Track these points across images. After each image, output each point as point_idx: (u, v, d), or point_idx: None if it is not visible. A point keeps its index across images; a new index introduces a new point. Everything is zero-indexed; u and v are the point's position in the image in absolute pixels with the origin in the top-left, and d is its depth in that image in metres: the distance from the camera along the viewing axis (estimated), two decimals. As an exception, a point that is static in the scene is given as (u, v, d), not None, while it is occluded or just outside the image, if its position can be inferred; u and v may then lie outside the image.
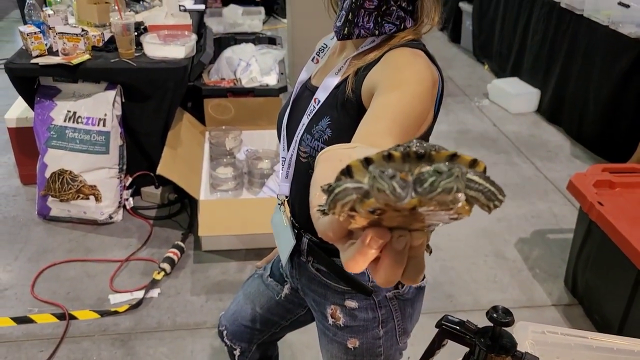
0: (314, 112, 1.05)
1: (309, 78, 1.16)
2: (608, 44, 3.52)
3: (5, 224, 2.88)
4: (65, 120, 2.75)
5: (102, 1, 2.99)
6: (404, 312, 1.19)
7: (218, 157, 3.10)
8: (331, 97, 1.03)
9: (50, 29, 2.73)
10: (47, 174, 2.77)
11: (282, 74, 3.45)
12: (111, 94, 2.74)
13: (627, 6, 3.41)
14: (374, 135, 0.78)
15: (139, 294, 2.41)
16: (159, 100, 2.80)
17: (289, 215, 1.20)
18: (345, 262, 0.45)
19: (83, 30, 2.72)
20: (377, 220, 0.43)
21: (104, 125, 2.74)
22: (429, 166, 0.41)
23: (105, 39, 2.85)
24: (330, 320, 1.19)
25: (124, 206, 2.94)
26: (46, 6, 3.04)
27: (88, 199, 2.79)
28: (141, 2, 3.48)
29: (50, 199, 2.80)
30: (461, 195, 0.41)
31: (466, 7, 5.49)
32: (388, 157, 0.44)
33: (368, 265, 0.45)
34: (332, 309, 1.19)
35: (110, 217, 2.86)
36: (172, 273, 2.55)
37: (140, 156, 2.97)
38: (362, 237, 0.44)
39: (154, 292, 2.44)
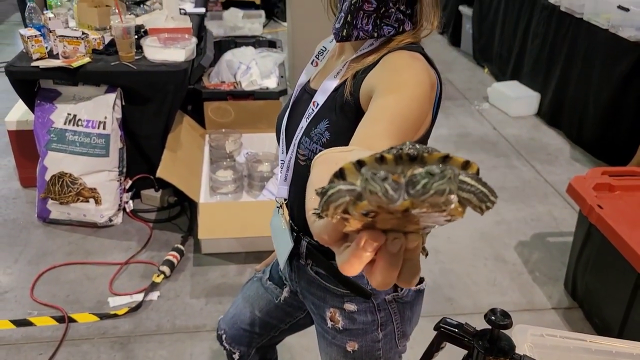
0: (312, 115, 1.05)
1: (308, 81, 1.16)
2: (608, 47, 3.52)
3: (5, 226, 2.88)
4: (65, 123, 2.76)
5: (103, 4, 3.00)
6: (403, 315, 1.19)
7: (218, 160, 3.10)
8: (330, 100, 1.04)
9: (50, 32, 2.73)
10: (47, 177, 2.77)
11: (282, 77, 3.46)
12: (111, 96, 2.74)
13: (627, 10, 3.41)
14: (372, 137, 0.78)
15: (139, 297, 2.41)
16: (159, 103, 2.81)
17: (287, 218, 1.20)
18: (340, 265, 0.45)
19: (83, 33, 2.72)
20: (371, 223, 0.43)
21: (104, 128, 2.74)
22: (422, 168, 0.41)
23: (106, 42, 2.86)
24: (330, 323, 1.19)
25: (124, 209, 2.94)
26: (47, 9, 3.05)
27: (88, 201, 2.79)
28: (142, 6, 3.49)
29: (50, 201, 2.81)
30: (454, 197, 0.41)
31: (466, 11, 5.50)
32: (380, 159, 0.44)
33: (364, 268, 0.45)
34: (331, 312, 1.19)
35: (110, 220, 2.86)
36: (172, 276, 2.55)
37: (140, 159, 2.97)
38: (357, 240, 0.44)
39: (154, 295, 2.44)
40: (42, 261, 2.63)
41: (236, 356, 1.48)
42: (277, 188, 1.18)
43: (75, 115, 2.76)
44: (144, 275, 2.55)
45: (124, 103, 2.80)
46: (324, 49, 1.16)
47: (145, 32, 2.96)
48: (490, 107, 4.46)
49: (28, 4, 2.86)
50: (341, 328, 1.18)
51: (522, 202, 3.21)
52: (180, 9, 3.47)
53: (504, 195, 3.26)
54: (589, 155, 3.74)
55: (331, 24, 1.06)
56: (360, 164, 0.44)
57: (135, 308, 2.36)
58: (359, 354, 1.19)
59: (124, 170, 2.91)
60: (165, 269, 2.53)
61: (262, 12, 5.28)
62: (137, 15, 3.26)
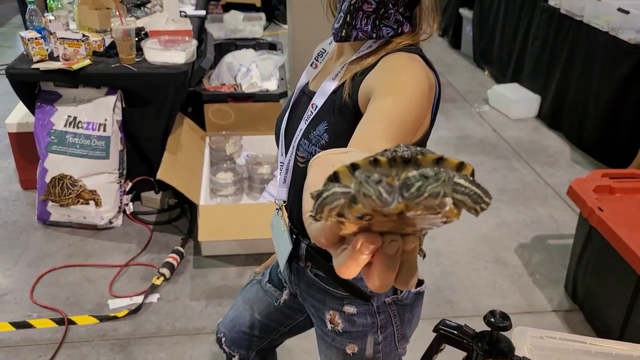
0: (311, 117, 1.05)
1: (307, 83, 1.16)
2: (608, 49, 3.52)
3: (5, 228, 2.88)
4: (65, 125, 2.76)
5: (103, 7, 3.01)
6: (403, 317, 1.19)
7: (218, 162, 3.10)
8: (328, 102, 1.04)
9: (51, 34, 2.74)
10: (47, 179, 2.77)
11: (282, 79, 3.46)
12: (111, 99, 2.75)
13: (627, 12, 3.42)
14: (370, 139, 0.78)
15: (139, 299, 2.41)
16: (159, 105, 2.81)
17: (287, 220, 1.20)
18: (337, 268, 0.45)
19: (84, 35, 2.73)
20: (367, 225, 0.43)
21: (104, 130, 2.75)
22: (416, 170, 0.40)
23: (106, 45, 2.87)
24: (329, 326, 1.19)
25: (124, 211, 2.94)
26: (47, 12, 3.05)
27: (88, 204, 2.79)
28: (142, 8, 3.49)
29: (50, 203, 2.81)
30: (448, 200, 0.41)
31: (466, 13, 5.51)
32: (374, 162, 0.44)
33: (361, 270, 0.45)
34: (330, 315, 1.18)
35: (110, 222, 2.86)
36: (172, 278, 2.55)
37: (141, 161, 2.97)
38: (353, 243, 0.43)
39: (154, 297, 2.44)
40: (42, 263, 2.63)
41: (236, 359, 1.48)
42: (277, 190, 1.17)
43: (75, 118, 2.76)
44: (144, 278, 2.55)
45: (124, 105, 2.80)
46: (324, 51, 1.16)
47: (146, 35, 2.97)
48: (490, 110, 4.46)
49: (29, 6, 2.87)
50: (341, 330, 1.18)
51: (522, 204, 3.21)
52: (180, 12, 3.48)
53: (504, 197, 3.26)
54: (589, 158, 3.74)
55: (331, 25, 1.06)
56: (354, 167, 0.44)
57: (135, 310, 2.36)
58: (358, 356, 1.18)
59: (124, 172, 2.91)
60: (165, 271, 2.53)
61: (263, 15, 5.28)
62: (137, 18, 3.27)
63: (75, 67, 2.62)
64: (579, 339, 1.14)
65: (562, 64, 3.97)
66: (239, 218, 2.68)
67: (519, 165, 3.66)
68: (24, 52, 2.79)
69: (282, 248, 1.20)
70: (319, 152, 1.01)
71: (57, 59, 2.72)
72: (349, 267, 0.44)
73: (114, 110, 2.75)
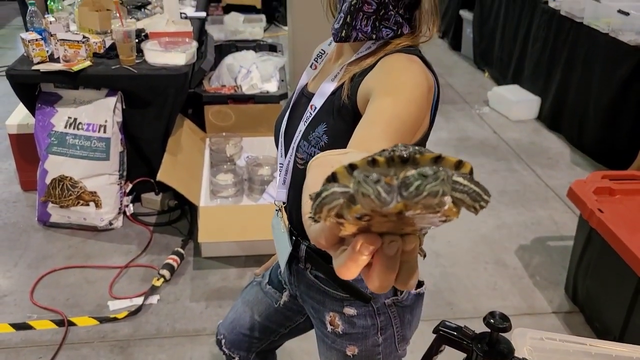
0: (310, 118, 1.05)
1: (306, 84, 1.16)
2: (608, 51, 3.52)
3: (5, 230, 2.88)
4: (65, 127, 2.76)
5: (104, 8, 3.01)
6: (403, 319, 1.19)
7: (218, 163, 3.10)
8: (327, 103, 1.04)
9: (51, 35, 2.74)
10: (48, 180, 2.77)
11: (282, 80, 3.46)
12: (112, 100, 2.75)
13: (627, 14, 3.42)
14: (369, 140, 0.78)
15: (139, 301, 2.41)
16: (159, 106, 2.81)
17: (286, 221, 1.20)
18: (337, 269, 0.45)
19: (84, 37, 2.73)
20: (367, 226, 0.43)
21: (104, 131, 2.75)
22: (414, 170, 0.40)
23: (106, 46, 2.87)
24: (329, 328, 1.19)
25: (124, 212, 2.94)
26: (48, 13, 3.06)
27: (88, 205, 2.79)
28: (142, 10, 3.50)
29: (50, 205, 2.81)
30: (447, 199, 0.40)
31: (467, 15, 5.51)
32: (372, 162, 0.44)
33: (361, 271, 0.45)
34: (330, 316, 1.18)
35: (110, 224, 2.86)
36: (172, 279, 2.55)
37: (141, 162, 2.97)
38: (353, 244, 0.43)
39: (154, 299, 2.44)
40: (42, 264, 2.63)
41: (235, 360, 1.48)
42: (276, 191, 1.18)
43: (75, 119, 2.76)
44: (144, 279, 2.55)
45: (124, 106, 2.81)
46: (323, 52, 1.16)
47: (146, 36, 2.97)
48: (490, 111, 4.46)
49: (29, 8, 2.87)
50: (341, 332, 1.18)
51: (522, 206, 3.21)
52: (181, 13, 3.48)
53: (505, 199, 3.26)
54: (589, 159, 3.74)
55: (330, 25, 1.06)
56: (352, 167, 0.44)
57: (135, 312, 2.36)
58: (358, 358, 1.18)
59: (125, 173, 2.91)
60: (165, 272, 2.53)
61: (263, 17, 5.29)
62: (138, 19, 3.27)
63: (76, 68, 2.62)
64: (579, 341, 1.14)
65: (562, 66, 3.98)
66: (239, 219, 2.68)
67: (519, 166, 3.66)
68: (25, 54, 2.79)
69: (282, 249, 1.20)
70: (318, 153, 1.01)
71: (57, 60, 2.73)
72: (348, 268, 0.44)
73: (114, 111, 2.75)
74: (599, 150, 3.68)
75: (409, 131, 0.87)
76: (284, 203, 1.17)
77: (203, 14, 3.80)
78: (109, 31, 2.94)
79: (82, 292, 2.48)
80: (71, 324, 2.30)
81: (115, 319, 2.32)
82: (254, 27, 4.80)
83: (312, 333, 1.33)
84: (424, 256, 0.54)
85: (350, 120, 0.98)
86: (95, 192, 2.78)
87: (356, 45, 1.04)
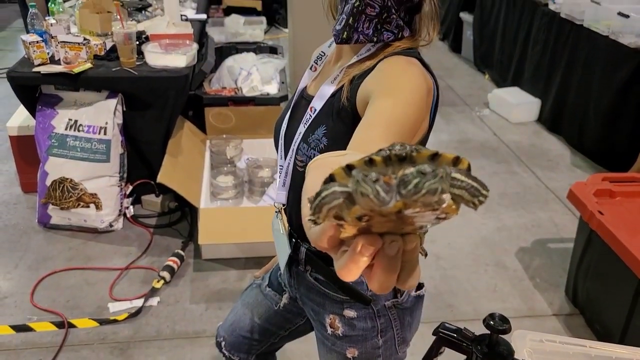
0: (310, 120, 1.05)
1: (305, 87, 1.17)
2: (608, 53, 3.53)
3: (5, 231, 2.88)
4: (66, 129, 2.76)
5: (104, 10, 3.02)
6: (403, 321, 1.18)
7: (219, 165, 3.10)
8: (327, 105, 1.04)
9: (52, 38, 2.75)
10: (48, 182, 2.78)
11: (282, 83, 3.47)
12: (112, 102, 2.75)
13: (627, 16, 3.42)
14: (368, 142, 0.78)
15: (139, 303, 2.41)
16: (160, 108, 2.82)
17: (286, 223, 1.20)
18: (338, 271, 0.45)
19: (85, 39, 2.73)
20: (367, 227, 0.43)
21: (105, 133, 2.75)
22: (413, 167, 0.40)
23: (107, 48, 2.87)
24: (329, 330, 1.19)
25: (125, 214, 2.94)
26: (49, 15, 3.06)
27: (88, 207, 2.79)
28: (143, 12, 3.51)
29: (50, 207, 2.81)
30: (446, 196, 0.40)
31: (467, 17, 5.52)
32: (370, 162, 0.43)
33: (362, 272, 0.44)
34: (330, 319, 1.18)
35: (111, 225, 2.86)
36: (172, 281, 2.55)
37: (141, 164, 2.98)
38: (353, 245, 0.43)
39: (154, 301, 2.44)
40: (43, 266, 2.63)
41: (235, 362, 1.48)
42: (276, 193, 1.18)
43: (76, 121, 2.76)
44: (144, 281, 2.55)
45: (125, 108, 2.81)
46: (323, 54, 1.16)
47: (147, 38, 2.98)
48: (490, 113, 4.46)
49: (30, 10, 2.88)
50: (341, 334, 1.18)
51: (522, 208, 3.21)
52: (181, 15, 3.49)
53: (505, 201, 3.26)
54: (589, 161, 3.74)
55: (331, 27, 1.06)
56: (349, 168, 0.44)
57: (135, 313, 2.36)
58: (358, 360, 1.18)
59: (125, 175, 2.91)
60: (166, 274, 2.53)
61: (264, 19, 5.30)
62: (138, 22, 3.27)
63: (76, 70, 2.63)
64: (579, 343, 1.14)
65: (563, 68, 3.98)
66: (240, 221, 2.68)
67: (520, 169, 3.66)
68: (25, 56, 2.79)
69: (282, 251, 1.20)
70: (318, 155, 1.01)
71: (58, 62, 2.73)
72: (349, 269, 0.44)
73: (114, 113, 2.75)
74: (599, 152, 3.68)
75: (408, 133, 0.87)
76: (283, 205, 1.17)
77: (203, 16, 3.80)
78: (110, 33, 2.95)
79: (82, 294, 2.48)
80: (71, 325, 2.30)
81: (115, 321, 2.32)
82: (254, 29, 4.81)
83: (312, 335, 1.33)
84: (425, 255, 0.54)
85: (349, 122, 0.98)
86: (95, 194, 2.78)
87: (356, 47, 1.04)
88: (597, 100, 3.63)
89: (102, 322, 2.32)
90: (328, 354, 1.22)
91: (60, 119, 2.77)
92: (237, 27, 4.77)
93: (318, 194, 0.43)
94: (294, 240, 1.20)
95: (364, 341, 1.17)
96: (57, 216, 2.83)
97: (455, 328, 1.09)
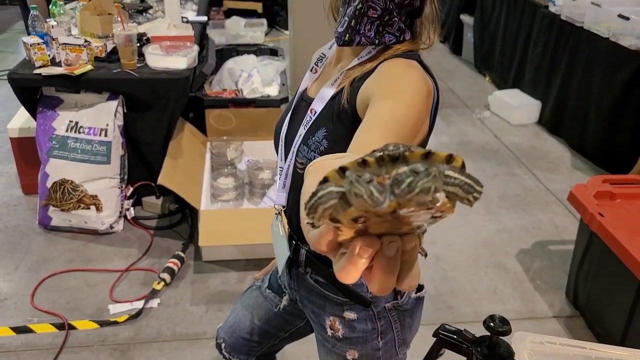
0: (310, 123, 1.05)
1: (306, 89, 1.17)
2: (608, 56, 3.53)
3: (6, 233, 2.88)
4: (67, 130, 2.77)
5: (105, 12, 3.02)
6: (403, 322, 1.18)
7: (219, 167, 3.10)
8: (327, 108, 1.04)
9: (53, 39, 2.75)
10: (49, 184, 2.78)
11: (283, 85, 3.47)
12: (113, 104, 2.75)
13: (627, 18, 3.42)
14: (368, 145, 0.78)
15: (139, 304, 2.41)
16: (160, 110, 2.82)
17: (286, 225, 1.20)
18: (337, 274, 0.45)
19: (86, 41, 2.74)
20: (363, 229, 0.43)
21: (105, 135, 2.75)
22: (406, 167, 0.40)
23: (108, 50, 2.88)
24: (329, 332, 1.19)
25: (125, 216, 2.94)
26: (50, 17, 3.07)
27: (89, 208, 2.79)
28: (144, 14, 3.51)
29: (51, 208, 2.81)
30: (440, 195, 0.40)
31: (467, 20, 5.52)
32: (363, 163, 0.43)
33: (362, 274, 0.44)
34: (330, 320, 1.18)
35: (111, 227, 2.86)
36: (172, 283, 2.55)
37: (142, 166, 2.98)
38: (351, 247, 0.43)
39: (154, 302, 2.44)
40: (43, 268, 2.63)
41: (236, 364, 1.48)
42: (276, 195, 1.18)
43: (77, 123, 2.77)
44: (145, 283, 2.55)
45: (125, 110, 2.81)
46: (323, 56, 1.17)
47: (148, 40, 2.98)
48: (491, 115, 4.46)
49: (31, 12, 2.88)
50: (341, 336, 1.17)
51: (523, 210, 3.21)
52: (182, 17, 3.49)
53: (505, 203, 3.26)
54: (590, 163, 3.74)
55: (331, 29, 1.06)
56: (343, 170, 0.43)
57: (136, 315, 2.36)
58: (358, 362, 1.18)
59: (125, 177, 2.91)
60: (166, 276, 2.53)
61: (264, 21, 5.30)
62: (139, 23, 3.28)
63: (77, 72, 2.63)
64: (579, 344, 1.14)
65: (563, 70, 3.98)
66: (240, 223, 2.68)
67: (520, 171, 3.66)
68: (26, 58, 2.80)
69: (281, 253, 1.20)
70: (318, 157, 1.01)
71: (59, 64, 2.74)
72: (348, 272, 0.43)
73: (115, 115, 2.75)
74: (599, 154, 3.68)
75: (408, 135, 0.87)
76: (283, 207, 1.17)
77: (204, 18, 3.81)
78: (111, 35, 2.95)
79: (82, 296, 2.48)
80: (71, 327, 2.30)
81: (115, 323, 2.32)
82: (255, 31, 4.81)
83: (312, 336, 1.33)
84: (425, 255, 0.53)
85: (349, 124, 0.98)
86: (96, 196, 2.78)
87: (357, 49, 1.04)
88: (597, 102, 3.63)
89: (103, 323, 2.32)
90: (328, 355, 1.22)
91: (61, 121, 2.77)
92: (237, 29, 4.77)
93: (314, 194, 0.43)
94: (293, 242, 1.20)
95: (364, 343, 1.17)
96: (57, 218, 2.84)
97: (456, 330, 1.09)
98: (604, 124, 3.59)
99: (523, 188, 3.45)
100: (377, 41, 1.00)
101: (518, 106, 4.31)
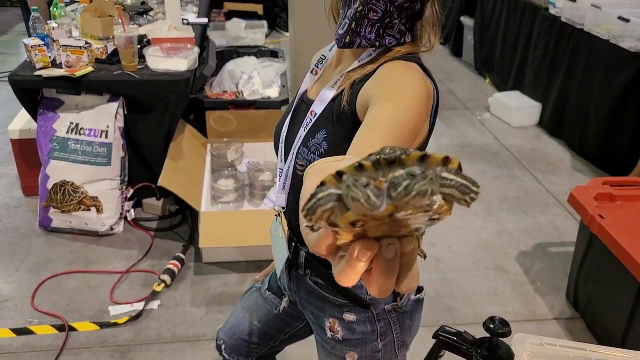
0: (310, 125, 1.05)
1: (306, 91, 1.17)
2: (609, 58, 3.53)
3: (6, 235, 2.88)
4: (68, 132, 2.77)
5: (106, 14, 3.03)
6: (403, 324, 1.18)
7: (220, 169, 3.10)
8: (327, 110, 1.04)
9: (54, 41, 2.76)
10: (49, 186, 2.78)
11: (284, 86, 3.47)
12: (114, 106, 2.76)
13: (628, 21, 3.43)
14: (368, 148, 0.78)
15: (139, 306, 2.41)
16: (161, 112, 2.82)
17: (285, 227, 1.20)
18: (336, 277, 0.45)
19: (87, 43, 2.74)
20: (362, 232, 0.43)
21: (106, 137, 2.76)
22: (402, 170, 0.40)
23: (109, 52, 2.88)
24: (329, 334, 1.19)
25: (125, 218, 2.94)
26: (51, 19, 3.08)
27: (89, 210, 2.79)
28: (145, 16, 3.52)
29: (52, 210, 2.81)
30: (437, 197, 0.40)
31: (468, 22, 5.53)
32: (360, 167, 0.43)
33: (361, 277, 0.44)
34: (330, 323, 1.18)
35: (112, 229, 2.86)
36: (173, 285, 2.55)
37: (142, 168, 2.98)
38: (350, 251, 0.43)
39: (154, 304, 2.44)
40: (43, 270, 2.63)
41: (236, 366, 1.48)
42: (276, 197, 1.18)
43: (77, 124, 2.77)
44: (145, 284, 2.55)
45: (126, 112, 2.82)
46: (324, 58, 1.17)
47: (148, 42, 2.99)
48: (491, 117, 4.46)
49: (32, 14, 2.89)
50: (341, 338, 1.18)
51: (523, 212, 3.21)
52: (183, 19, 3.50)
53: (506, 205, 3.26)
54: (590, 166, 3.74)
55: (332, 31, 1.06)
56: (340, 175, 0.43)
57: (136, 317, 2.36)
58: (358, 364, 1.18)
59: (126, 179, 2.92)
60: (166, 277, 2.53)
61: (265, 23, 5.30)
62: (140, 26, 3.29)
63: (78, 74, 2.63)
64: (579, 346, 1.14)
65: (563, 72, 3.98)
66: (240, 225, 2.68)
67: (520, 173, 3.66)
68: (27, 60, 2.80)
69: (280, 254, 1.20)
70: (318, 160, 1.01)
71: (60, 66, 2.74)
72: (347, 275, 0.44)
73: (116, 117, 2.76)
74: (600, 156, 3.68)
75: (409, 138, 0.88)
76: (283, 208, 1.18)
77: (205, 20, 3.81)
78: (112, 37, 2.96)
79: (83, 297, 2.48)
80: (72, 329, 2.30)
81: (116, 324, 2.32)
82: (255, 34, 4.82)
83: (312, 338, 1.33)
84: (425, 257, 0.53)
85: (350, 127, 0.98)
86: (96, 198, 2.79)
87: (357, 51, 1.04)
88: (597, 104, 3.63)
89: (103, 325, 2.32)
90: (328, 357, 1.22)
91: (62, 123, 2.78)
92: (238, 31, 4.78)
93: (313, 196, 0.43)
94: (293, 244, 1.20)
95: (363, 345, 1.17)
96: (58, 219, 2.84)
97: (456, 331, 1.09)
98: (604, 126, 3.59)
99: (523, 190, 3.45)
100: (377, 44, 1.00)
101: (518, 108, 4.31)
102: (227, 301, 2.47)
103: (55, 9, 3.19)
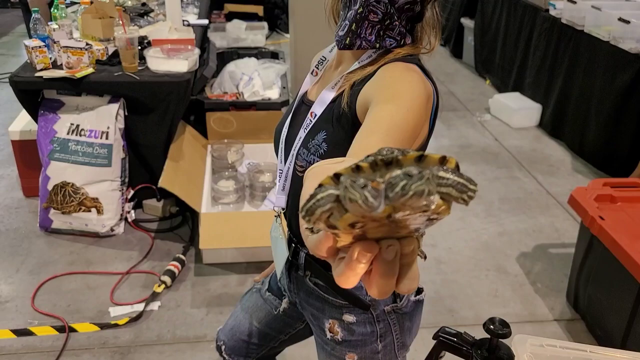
0: (310, 126, 1.05)
1: (306, 92, 1.17)
2: (609, 59, 3.53)
3: (7, 236, 2.88)
4: (68, 133, 2.77)
5: (107, 16, 3.03)
6: (403, 325, 1.18)
7: (220, 170, 3.11)
8: (327, 111, 1.04)
9: (55, 43, 2.76)
10: (50, 187, 2.78)
11: (284, 88, 3.47)
12: (114, 107, 2.76)
13: (628, 22, 3.43)
14: (368, 149, 0.78)
15: (140, 307, 2.41)
16: (161, 113, 2.82)
17: (285, 228, 1.20)
18: (336, 279, 0.45)
19: (87, 44, 2.75)
20: (361, 234, 0.43)
21: (106, 138, 2.76)
22: (399, 170, 0.40)
23: (109, 53, 2.89)
24: (329, 335, 1.19)
25: (126, 219, 2.94)
26: (51, 21, 3.08)
27: (90, 211, 2.80)
28: (145, 17, 3.52)
29: (52, 211, 2.81)
30: (434, 197, 0.40)
31: (468, 23, 5.53)
32: (357, 168, 0.43)
33: (361, 278, 0.44)
34: (330, 323, 1.18)
35: (112, 230, 2.86)
36: (173, 286, 2.55)
37: (143, 169, 2.98)
38: (350, 252, 0.43)
39: (155, 305, 2.44)
40: (44, 271, 2.63)
41: (235, 367, 1.48)
42: (276, 197, 1.18)
43: (78, 125, 2.77)
44: (145, 285, 2.55)
45: (126, 113, 2.82)
46: (324, 59, 1.17)
47: (149, 43, 2.99)
48: (491, 119, 4.47)
49: (33, 15, 2.89)
50: (340, 339, 1.18)
51: (523, 213, 3.21)
52: (183, 21, 3.50)
53: (506, 206, 3.26)
54: (590, 167, 3.74)
55: (332, 32, 1.06)
56: (337, 176, 0.43)
57: (136, 318, 2.36)
58: (358, 364, 1.18)
59: (126, 180, 2.92)
60: (167, 278, 2.53)
61: (265, 24, 5.31)
62: (140, 27, 3.29)
63: (79, 75, 2.64)
64: (579, 347, 1.14)
65: (564, 73, 3.99)
66: (240, 226, 2.69)
67: (521, 174, 3.66)
68: (28, 61, 2.80)
69: (279, 255, 1.20)
70: (317, 161, 1.01)
71: (60, 67, 2.74)
72: (347, 277, 0.44)
73: (116, 118, 2.76)
74: (600, 157, 3.68)
75: (408, 139, 0.88)
76: (283, 209, 1.18)
77: (205, 22, 3.82)
78: (112, 38, 2.96)
79: (83, 298, 2.48)
80: (72, 330, 2.30)
81: (116, 325, 2.32)
82: (256, 35, 4.83)
83: (312, 339, 1.33)
84: (425, 257, 0.53)
85: (349, 128, 0.98)
86: (97, 199, 2.79)
87: (357, 53, 1.04)
88: (597, 105, 3.63)
89: (103, 326, 2.32)
90: (327, 358, 1.22)
91: (62, 124, 2.78)
92: (238, 33, 4.78)
93: (312, 197, 0.43)
94: (293, 245, 1.20)
95: (363, 346, 1.17)
96: (58, 220, 2.84)
97: (456, 332, 1.09)
98: (604, 127, 3.59)
99: (524, 191, 3.45)
100: (377, 45, 1.00)
101: (518, 109, 4.32)
102: (227, 302, 2.47)
103: (55, 10, 3.19)
